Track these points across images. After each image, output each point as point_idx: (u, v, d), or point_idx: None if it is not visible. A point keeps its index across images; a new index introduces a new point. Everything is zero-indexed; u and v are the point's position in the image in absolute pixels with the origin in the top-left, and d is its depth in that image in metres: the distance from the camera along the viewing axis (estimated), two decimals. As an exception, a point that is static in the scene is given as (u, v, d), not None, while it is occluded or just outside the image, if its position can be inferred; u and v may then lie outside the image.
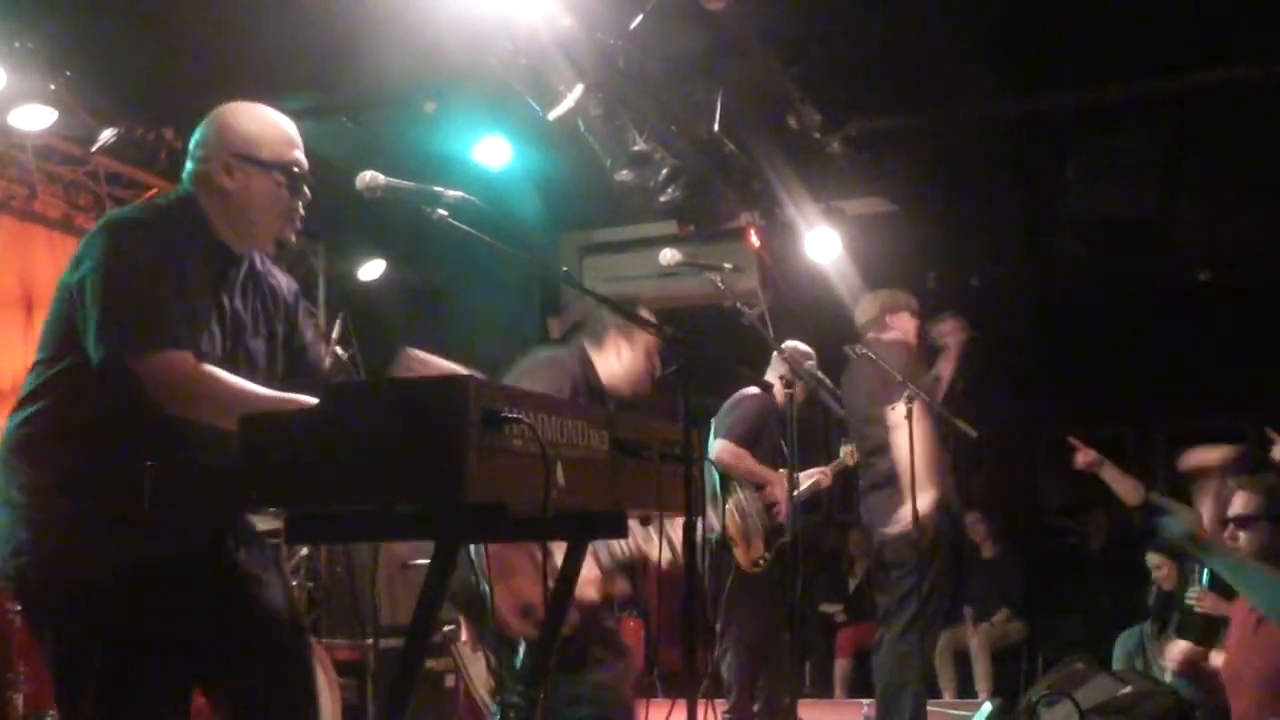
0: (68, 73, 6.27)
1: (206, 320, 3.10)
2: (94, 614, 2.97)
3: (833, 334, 6.88)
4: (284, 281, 3.43)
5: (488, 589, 3.84)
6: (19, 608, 3.21)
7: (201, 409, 2.96)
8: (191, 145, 3.29)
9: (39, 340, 3.14)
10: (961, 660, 9.70)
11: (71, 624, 3.01)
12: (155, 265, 3.01)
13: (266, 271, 3.37)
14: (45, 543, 2.99)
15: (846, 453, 6.82)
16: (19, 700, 5.47)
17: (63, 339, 3.06)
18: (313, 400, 2.76)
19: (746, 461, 6.30)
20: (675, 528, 3.55)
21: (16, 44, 5.95)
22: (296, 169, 3.25)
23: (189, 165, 3.27)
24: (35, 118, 6.38)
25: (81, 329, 2.97)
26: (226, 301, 3.20)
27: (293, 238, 3.33)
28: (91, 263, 2.99)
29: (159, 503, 2.66)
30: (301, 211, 3.30)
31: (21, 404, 3.10)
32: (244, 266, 3.27)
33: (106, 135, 6.85)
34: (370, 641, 6.91)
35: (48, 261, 7.17)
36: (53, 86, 6.26)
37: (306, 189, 3.28)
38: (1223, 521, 4.30)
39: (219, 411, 2.91)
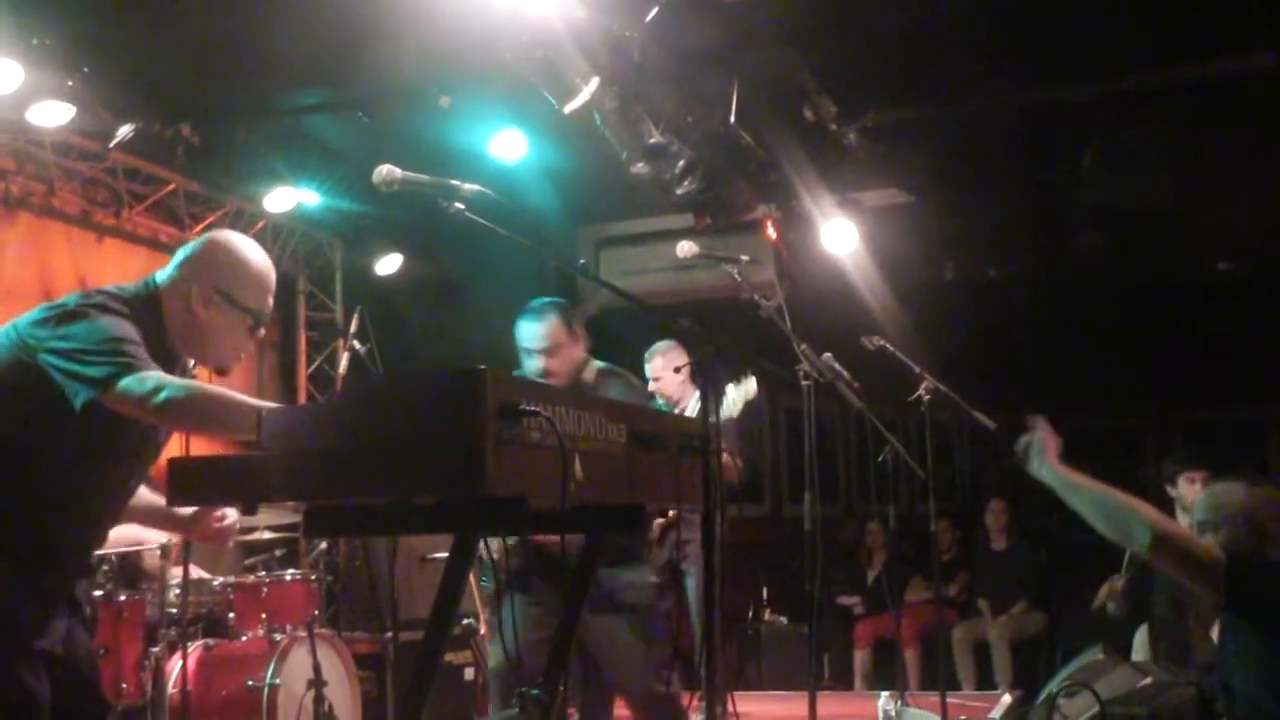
0: (85, 69, 6.29)
1: None
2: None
3: (850, 325, 6.87)
4: (190, 370, 3.60)
5: None
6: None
7: (199, 416, 3.09)
8: (181, 255, 3.44)
9: None
10: (981, 652, 9.69)
11: None
12: (118, 324, 3.16)
13: (185, 366, 3.53)
14: None
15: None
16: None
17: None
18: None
19: None
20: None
21: (35, 41, 5.97)
22: (262, 316, 3.44)
23: (171, 270, 3.40)
24: (53, 114, 6.40)
25: (61, 379, 3.07)
26: None
27: (232, 368, 3.53)
28: (60, 331, 3.12)
29: (179, 497, 2.69)
30: (250, 349, 3.53)
31: None
32: (177, 365, 3.43)
33: (124, 131, 6.87)
34: (389, 635, 6.95)
35: (66, 257, 7.21)
36: (70, 83, 6.28)
37: (262, 331, 3.49)
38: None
39: (215, 418, 3.06)
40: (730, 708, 5.10)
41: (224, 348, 3.44)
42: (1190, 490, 6.62)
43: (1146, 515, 3.42)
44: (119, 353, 3.06)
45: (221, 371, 3.51)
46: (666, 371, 6.91)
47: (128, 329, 3.15)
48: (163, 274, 3.42)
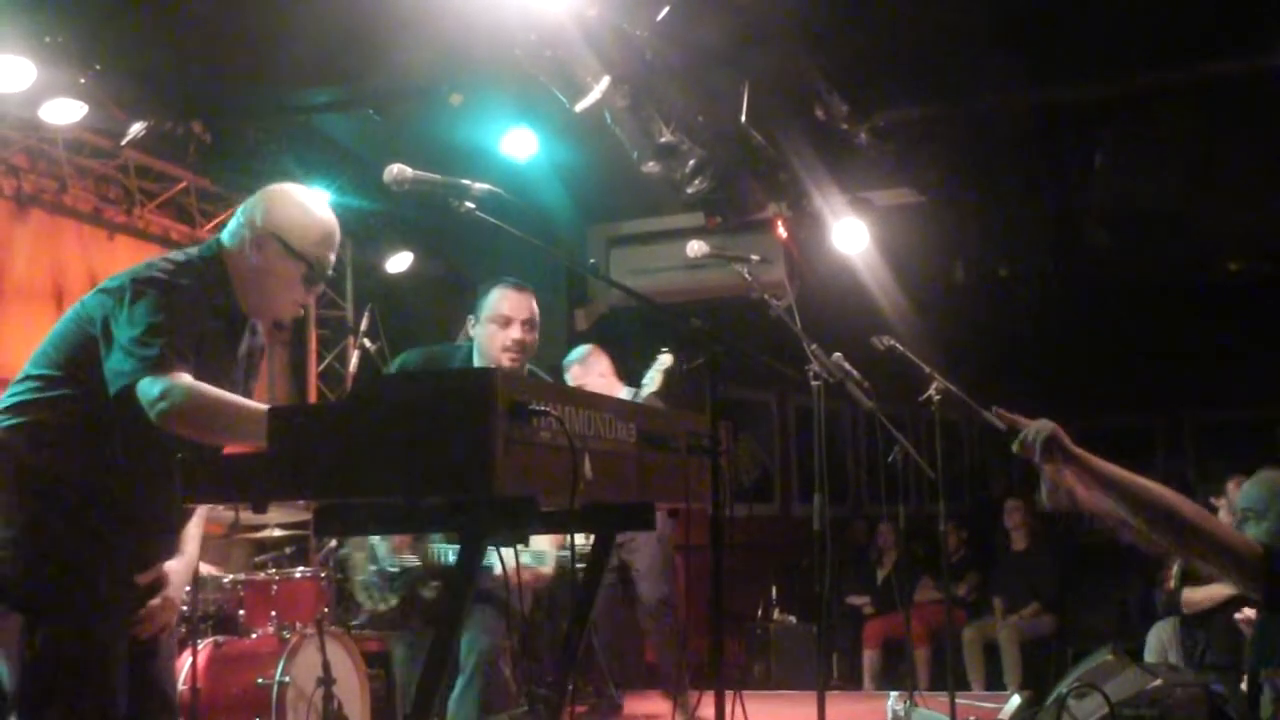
0: (97, 67, 6.30)
1: (219, 378, 3.23)
2: (79, 617, 3.10)
3: (861, 325, 6.86)
4: (261, 336, 3.59)
5: None
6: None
7: (194, 426, 3.06)
8: (241, 208, 3.42)
9: (40, 356, 3.26)
10: (990, 653, 9.67)
11: (60, 626, 3.09)
12: (174, 312, 3.14)
13: (255, 327, 3.53)
14: (34, 543, 3.11)
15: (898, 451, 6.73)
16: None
17: (69, 365, 3.19)
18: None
19: None
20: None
21: (47, 39, 5.98)
22: (320, 267, 3.37)
23: (231, 224, 3.41)
24: (66, 112, 6.42)
25: (104, 362, 3.11)
26: (233, 359, 3.37)
27: (289, 323, 3.51)
28: (119, 309, 3.13)
29: (189, 494, 2.70)
30: (308, 303, 3.52)
31: (10, 412, 3.22)
32: (248, 325, 3.44)
33: (136, 129, 6.88)
34: (399, 633, 6.94)
35: (78, 254, 7.22)
36: (83, 81, 6.29)
37: (323, 285, 3.46)
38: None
39: (212, 427, 3.06)
40: (739, 707, 5.09)
41: (278, 298, 3.38)
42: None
43: (1183, 506, 3.19)
44: (149, 345, 3.05)
45: (279, 325, 3.53)
46: (587, 378, 6.94)
47: (173, 313, 3.12)
48: (227, 230, 3.41)
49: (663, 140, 7.05)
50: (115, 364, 3.08)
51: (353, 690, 6.17)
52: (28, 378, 3.23)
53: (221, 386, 3.20)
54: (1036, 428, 3.25)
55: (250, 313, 3.42)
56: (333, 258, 3.42)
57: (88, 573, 3.12)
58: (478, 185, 3.29)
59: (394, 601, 4.78)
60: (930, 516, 6.79)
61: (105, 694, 3.12)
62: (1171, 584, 7.06)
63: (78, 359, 3.18)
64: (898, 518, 7.37)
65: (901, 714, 6.62)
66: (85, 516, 3.13)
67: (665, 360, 6.74)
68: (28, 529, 3.11)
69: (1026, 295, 10.93)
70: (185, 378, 3.05)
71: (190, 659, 5.64)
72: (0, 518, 3.13)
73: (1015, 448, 3.23)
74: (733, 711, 3.85)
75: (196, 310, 3.21)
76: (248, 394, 3.48)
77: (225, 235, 3.40)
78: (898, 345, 6.14)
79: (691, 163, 7.30)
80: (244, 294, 3.36)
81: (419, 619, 4.76)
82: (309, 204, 3.42)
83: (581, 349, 7.04)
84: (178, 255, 3.37)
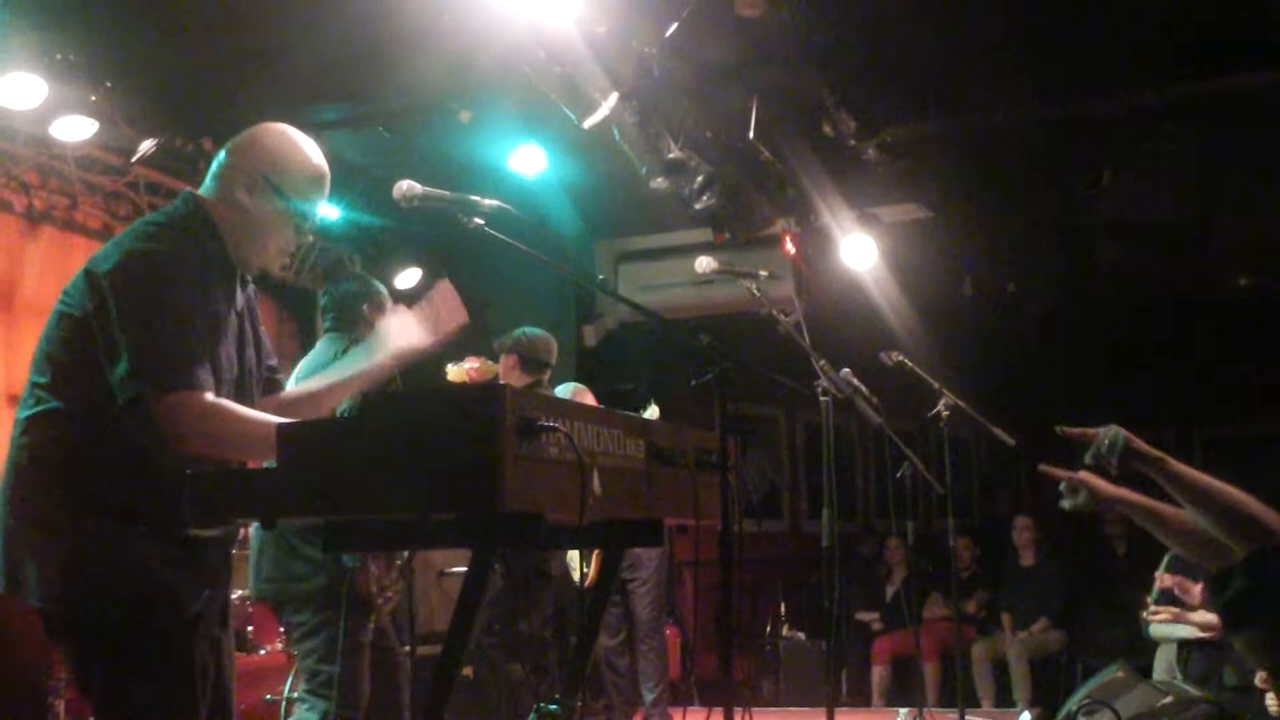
0: (108, 84, 6.32)
1: (225, 340, 3.09)
2: (137, 642, 2.92)
3: (869, 341, 6.86)
4: (252, 288, 3.38)
5: None
6: (58, 634, 2.99)
7: (207, 446, 2.92)
8: (225, 148, 3.26)
9: (39, 360, 3.06)
10: (1000, 669, 9.65)
11: (117, 654, 2.93)
12: (183, 301, 2.97)
13: (245, 278, 3.32)
14: (87, 565, 2.91)
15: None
16: (60, 706, 5.52)
17: (79, 365, 2.99)
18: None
19: None
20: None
21: (58, 56, 6.00)
22: (311, 211, 3.23)
23: (214, 166, 3.24)
24: (76, 129, 6.44)
25: (108, 364, 2.91)
26: (234, 316, 3.19)
27: (278, 273, 3.34)
28: (119, 300, 2.93)
29: (198, 511, 2.69)
30: (296, 252, 3.31)
31: (36, 424, 3.00)
32: (238, 277, 3.25)
33: (146, 146, 6.90)
34: (407, 649, 6.95)
35: (88, 271, 7.22)
36: (93, 98, 6.32)
37: (310, 234, 3.28)
38: None
39: (225, 447, 2.94)
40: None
41: (269, 244, 3.19)
42: None
43: (1258, 507, 2.92)
44: (156, 353, 2.86)
45: (267, 274, 3.30)
46: None
47: (179, 297, 2.93)
48: (209, 175, 3.23)
49: (671, 156, 7.06)
50: (122, 371, 2.87)
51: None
52: (33, 387, 3.03)
53: (223, 356, 3.06)
54: (1110, 437, 3.02)
55: (238, 264, 3.20)
56: (323, 201, 3.27)
57: (159, 589, 2.92)
58: (486, 201, 3.28)
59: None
60: (939, 533, 6.77)
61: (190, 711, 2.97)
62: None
63: (87, 362, 2.96)
64: (906, 534, 7.35)
65: (911, 731, 6.60)
66: (135, 524, 2.91)
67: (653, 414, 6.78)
68: (77, 557, 2.89)
69: (1035, 310, 10.93)
70: (200, 400, 2.88)
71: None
72: (43, 556, 2.91)
73: (1087, 460, 3.02)
74: (742, 728, 3.85)
75: (206, 277, 3.04)
76: (258, 359, 3.29)
77: (208, 182, 3.22)
78: (906, 361, 6.14)
79: (699, 178, 7.31)
80: (234, 246, 3.16)
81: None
82: (299, 142, 3.26)
83: (567, 386, 7.03)
84: (160, 219, 3.14)
